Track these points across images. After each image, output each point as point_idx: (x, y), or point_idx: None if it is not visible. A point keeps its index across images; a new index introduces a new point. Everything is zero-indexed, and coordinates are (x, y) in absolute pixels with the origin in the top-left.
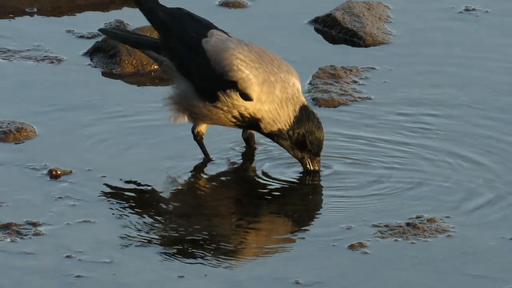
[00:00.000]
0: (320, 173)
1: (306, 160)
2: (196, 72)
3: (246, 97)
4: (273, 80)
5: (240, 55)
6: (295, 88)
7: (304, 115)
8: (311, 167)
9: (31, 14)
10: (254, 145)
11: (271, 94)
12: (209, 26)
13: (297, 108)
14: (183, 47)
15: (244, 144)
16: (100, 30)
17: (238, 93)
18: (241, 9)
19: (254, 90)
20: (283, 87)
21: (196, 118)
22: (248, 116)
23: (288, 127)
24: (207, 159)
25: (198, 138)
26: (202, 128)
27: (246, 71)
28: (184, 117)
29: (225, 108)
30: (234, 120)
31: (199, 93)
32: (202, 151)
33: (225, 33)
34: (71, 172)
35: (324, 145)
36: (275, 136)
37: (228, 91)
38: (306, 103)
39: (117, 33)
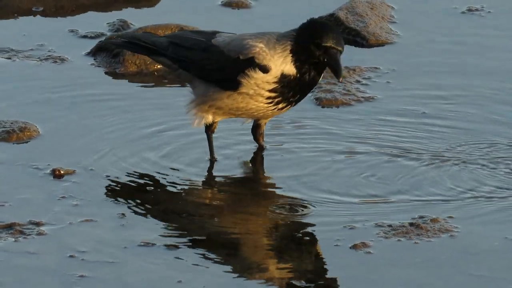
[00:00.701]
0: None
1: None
2: (213, 67)
3: (265, 69)
4: (274, 41)
5: (247, 36)
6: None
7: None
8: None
9: (34, 14)
10: (262, 143)
11: (279, 53)
12: (216, 32)
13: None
14: (195, 52)
15: (251, 145)
16: (106, 41)
17: (257, 69)
18: (244, 9)
19: (270, 60)
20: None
21: (222, 113)
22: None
23: (293, 43)
24: (211, 158)
25: (209, 131)
26: (216, 121)
27: (259, 44)
28: (209, 116)
29: (251, 92)
30: (269, 100)
31: (221, 86)
32: (209, 147)
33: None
34: (74, 172)
35: (336, 36)
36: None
37: (247, 71)
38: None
39: (125, 43)
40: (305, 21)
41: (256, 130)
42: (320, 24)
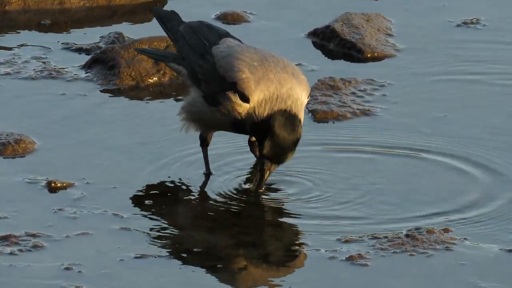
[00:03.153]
0: (261, 188)
1: (264, 164)
2: (204, 78)
3: (245, 98)
4: (272, 77)
5: (242, 56)
6: (291, 93)
7: (278, 118)
8: (262, 173)
9: (29, 28)
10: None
11: (265, 91)
12: (225, 35)
13: (275, 109)
14: (194, 55)
15: (247, 156)
16: (136, 49)
17: (237, 95)
18: (242, 23)
19: (252, 92)
20: (278, 86)
21: (204, 126)
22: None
23: (258, 118)
24: (207, 172)
25: (204, 144)
26: (210, 135)
27: (246, 72)
28: (194, 127)
29: (226, 112)
30: (233, 122)
31: (206, 100)
32: (205, 161)
33: (239, 41)
34: (70, 184)
35: (286, 157)
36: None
37: (227, 93)
38: (292, 111)
39: (146, 50)
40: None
41: (252, 142)
42: (276, 130)
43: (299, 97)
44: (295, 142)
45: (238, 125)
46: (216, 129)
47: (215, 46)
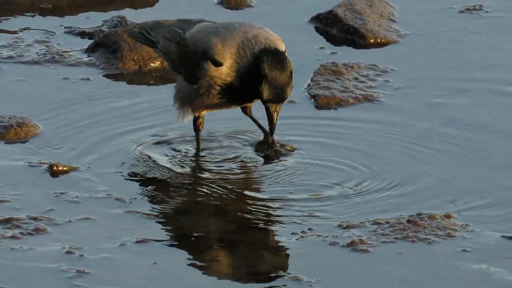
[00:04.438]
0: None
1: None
2: (181, 61)
3: (217, 63)
4: (235, 32)
5: (209, 28)
6: (260, 34)
7: (263, 59)
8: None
9: (33, 11)
10: (251, 114)
11: (233, 44)
12: (200, 21)
13: (256, 51)
14: (171, 44)
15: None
16: (129, 34)
17: (209, 62)
18: (245, 8)
19: (221, 52)
20: (243, 34)
21: (197, 107)
22: (222, 84)
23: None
24: (196, 154)
25: (196, 126)
26: (202, 119)
27: (213, 38)
28: (189, 111)
29: (206, 84)
30: (220, 95)
31: (188, 81)
32: (196, 143)
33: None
34: (72, 168)
35: (286, 93)
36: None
37: (201, 64)
38: (272, 46)
39: (138, 36)
40: (262, 54)
41: (244, 109)
42: (268, 71)
43: (269, 36)
44: (289, 75)
45: (227, 92)
46: (209, 107)
47: (188, 31)
